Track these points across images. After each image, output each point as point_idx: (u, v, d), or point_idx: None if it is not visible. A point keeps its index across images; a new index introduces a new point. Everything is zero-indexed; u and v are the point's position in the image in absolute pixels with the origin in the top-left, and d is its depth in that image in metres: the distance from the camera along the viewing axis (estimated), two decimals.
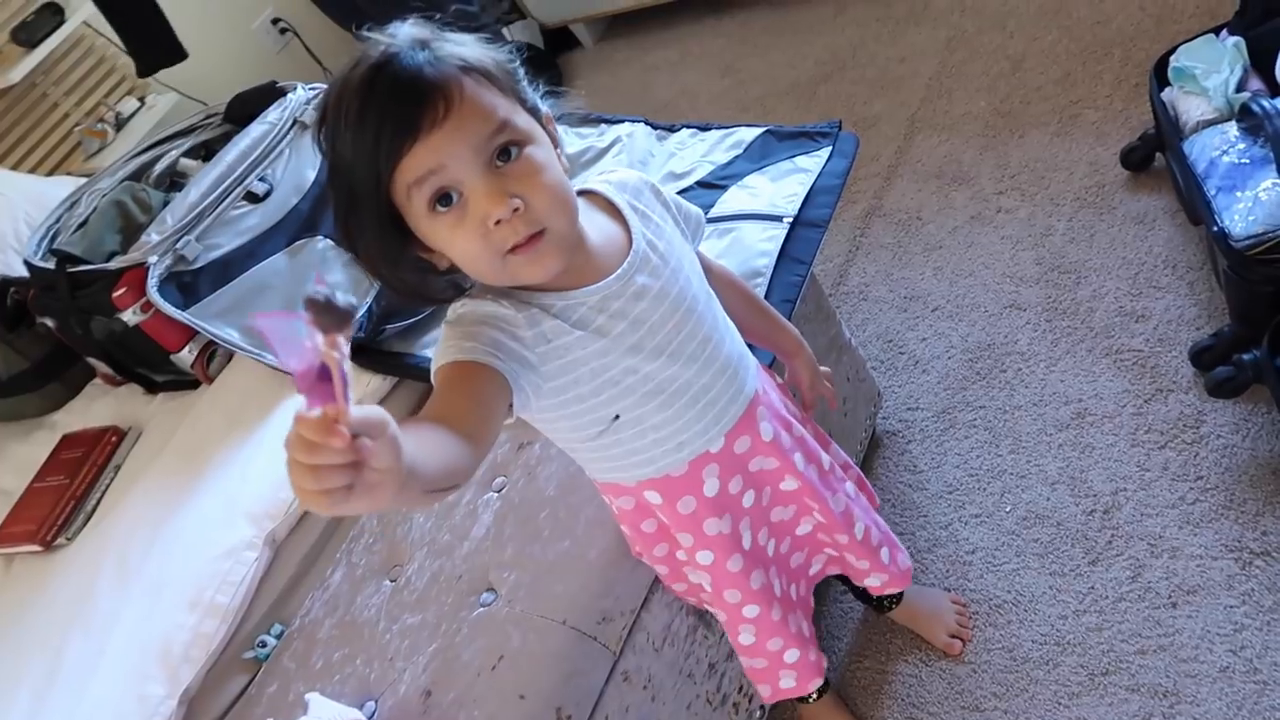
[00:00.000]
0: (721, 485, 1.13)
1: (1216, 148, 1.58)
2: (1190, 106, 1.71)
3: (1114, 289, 1.92)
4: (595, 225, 0.98)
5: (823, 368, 1.33)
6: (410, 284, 0.94)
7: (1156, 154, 2.05)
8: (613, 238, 0.99)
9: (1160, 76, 1.82)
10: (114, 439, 1.90)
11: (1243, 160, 1.52)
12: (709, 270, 1.17)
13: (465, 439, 0.77)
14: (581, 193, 1.01)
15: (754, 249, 1.54)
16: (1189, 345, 1.72)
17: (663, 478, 1.09)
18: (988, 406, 1.84)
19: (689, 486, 1.11)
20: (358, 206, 0.85)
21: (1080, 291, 1.95)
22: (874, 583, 1.43)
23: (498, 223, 0.83)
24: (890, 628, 1.63)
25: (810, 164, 1.63)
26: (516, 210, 0.84)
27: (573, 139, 1.92)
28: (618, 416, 1.01)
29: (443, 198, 0.84)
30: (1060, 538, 1.60)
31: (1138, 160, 2.08)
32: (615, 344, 0.96)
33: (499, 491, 1.48)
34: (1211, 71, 1.69)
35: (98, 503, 1.80)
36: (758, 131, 1.76)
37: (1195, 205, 1.59)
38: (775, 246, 1.53)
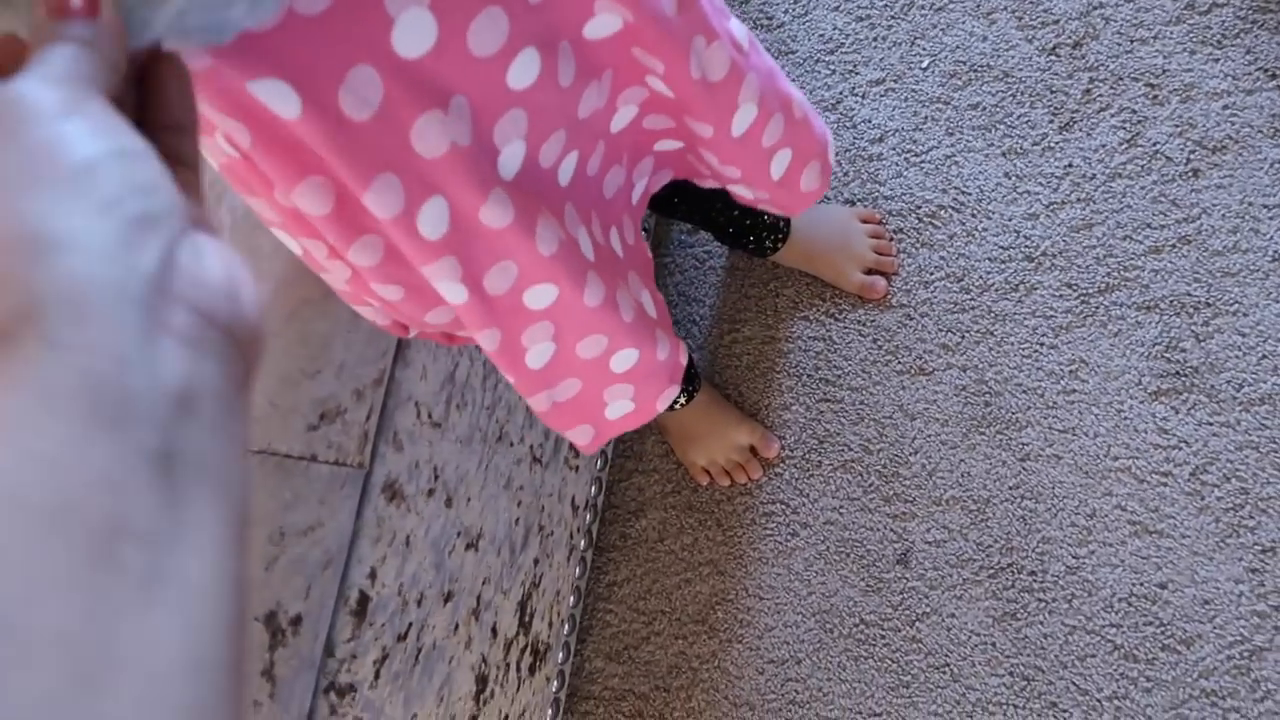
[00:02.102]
0: (443, 38, 0.47)
1: None
2: None
3: None
4: None
5: None
6: None
7: None
8: None
9: None
10: None
11: None
12: None
13: None
14: None
15: None
16: None
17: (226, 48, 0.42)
18: None
19: (338, 47, 0.45)
20: None
21: None
22: (743, 194, 0.82)
23: None
24: (774, 274, 1.08)
25: None
26: None
27: None
28: None
29: None
30: (1012, 96, 1.05)
31: None
32: None
33: None
34: None
35: None
36: None
37: None
38: None
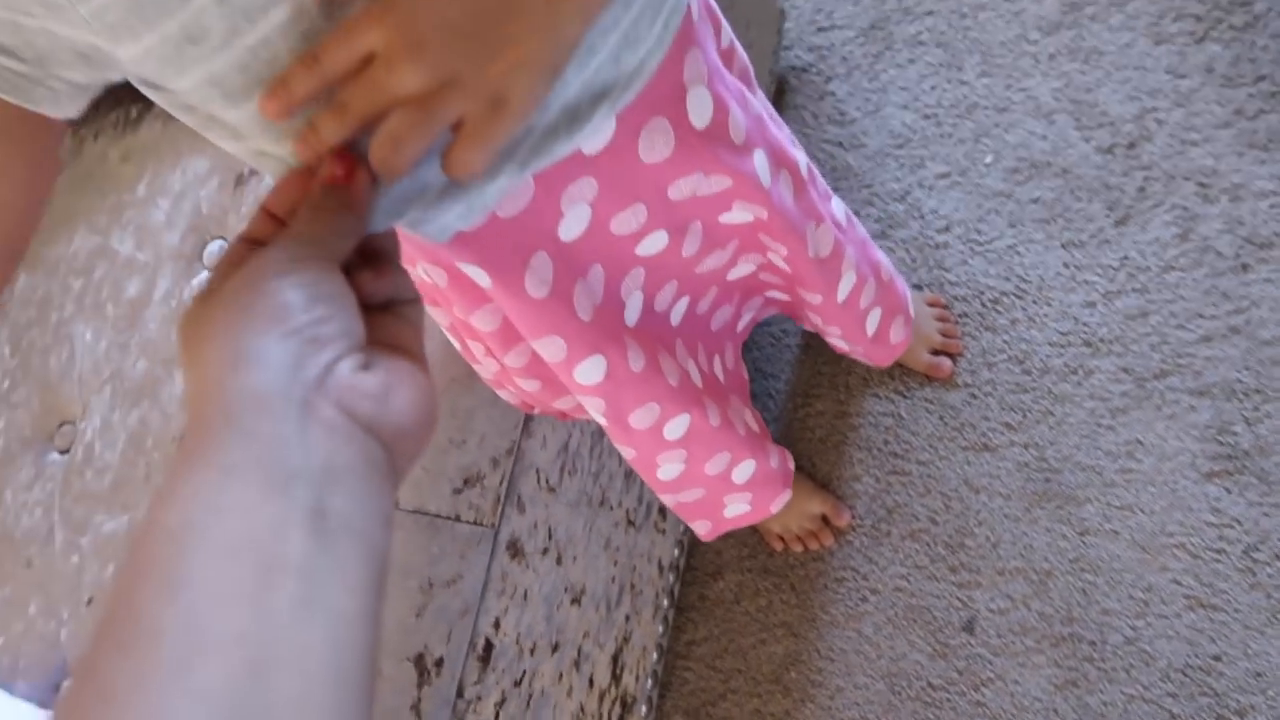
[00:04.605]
0: (593, 225, 0.58)
1: None
2: None
3: None
4: None
5: None
6: None
7: None
8: None
9: None
10: None
11: None
12: None
13: None
14: None
15: None
16: None
17: (466, 235, 0.51)
18: (937, 10, 1.28)
19: (527, 233, 0.55)
20: None
21: None
22: (839, 345, 0.98)
23: None
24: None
25: None
26: None
27: None
28: None
29: None
30: (1071, 191, 1.13)
31: None
32: None
33: None
34: None
35: None
36: None
37: None
38: None
